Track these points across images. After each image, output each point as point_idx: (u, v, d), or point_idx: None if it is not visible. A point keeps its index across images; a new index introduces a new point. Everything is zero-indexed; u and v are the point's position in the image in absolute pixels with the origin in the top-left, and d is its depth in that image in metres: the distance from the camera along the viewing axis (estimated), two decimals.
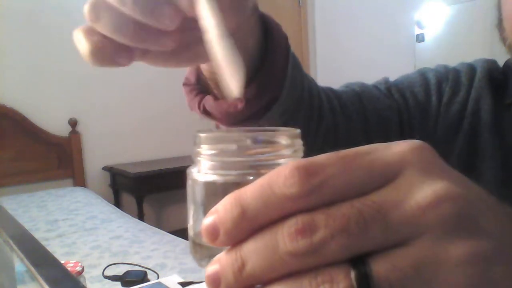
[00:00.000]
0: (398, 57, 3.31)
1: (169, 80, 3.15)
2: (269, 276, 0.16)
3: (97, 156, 2.91)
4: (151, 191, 2.80)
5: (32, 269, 0.31)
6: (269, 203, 0.16)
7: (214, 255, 0.17)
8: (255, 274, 0.16)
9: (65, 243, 1.65)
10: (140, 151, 3.08)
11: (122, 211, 2.25)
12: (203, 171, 0.21)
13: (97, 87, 2.90)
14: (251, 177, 0.18)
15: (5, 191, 2.50)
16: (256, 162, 0.20)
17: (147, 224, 1.97)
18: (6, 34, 2.58)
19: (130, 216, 2.11)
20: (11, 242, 0.38)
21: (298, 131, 0.21)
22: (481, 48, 2.93)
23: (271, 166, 0.19)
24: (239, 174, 0.20)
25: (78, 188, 2.66)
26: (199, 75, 0.43)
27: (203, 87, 0.43)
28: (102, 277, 1.20)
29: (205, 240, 0.17)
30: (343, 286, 0.14)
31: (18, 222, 0.47)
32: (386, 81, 0.56)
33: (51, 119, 2.73)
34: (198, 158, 0.21)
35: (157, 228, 1.88)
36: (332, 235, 0.15)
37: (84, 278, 0.89)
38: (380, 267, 0.15)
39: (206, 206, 0.20)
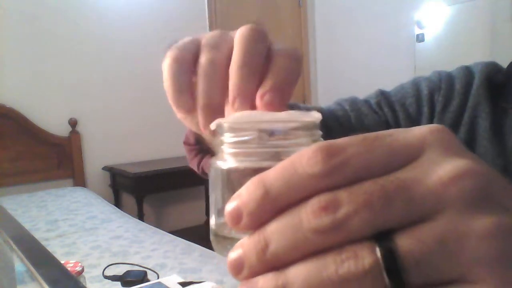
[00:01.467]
0: (398, 57, 3.31)
1: None
2: (293, 255, 0.16)
3: (97, 156, 2.91)
4: (151, 191, 2.80)
5: (32, 269, 0.31)
6: (292, 182, 0.16)
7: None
8: (279, 254, 0.16)
9: (65, 243, 1.65)
10: (140, 151, 3.08)
11: (122, 211, 2.25)
12: (225, 159, 0.21)
13: (97, 87, 2.90)
14: (273, 163, 0.18)
15: (5, 191, 2.50)
16: (277, 149, 0.20)
17: (147, 224, 1.97)
18: (7, 35, 2.58)
19: (130, 216, 2.11)
20: (11, 242, 0.38)
21: (319, 117, 0.22)
22: (481, 48, 2.93)
23: (292, 153, 0.19)
24: (260, 160, 0.20)
25: (78, 188, 2.66)
26: (198, 136, 0.44)
27: (203, 147, 0.45)
28: (102, 277, 1.20)
29: (228, 224, 0.17)
30: (368, 262, 0.14)
31: (18, 222, 0.47)
32: (377, 94, 0.55)
33: (51, 119, 2.73)
34: (221, 147, 0.21)
35: (157, 228, 1.88)
36: (355, 210, 0.15)
37: (84, 278, 0.89)
38: (404, 242, 0.15)
39: (229, 194, 0.20)
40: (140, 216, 2.54)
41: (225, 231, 0.19)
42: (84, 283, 0.87)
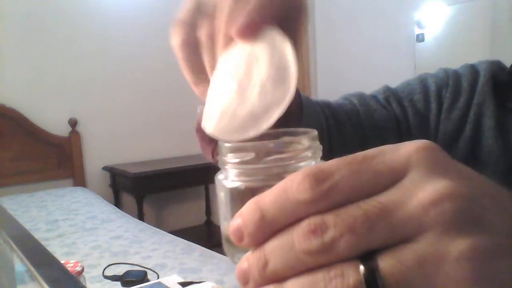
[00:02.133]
0: (398, 57, 3.31)
1: (169, 81, 3.15)
2: (288, 273, 0.17)
3: (97, 156, 2.91)
4: (151, 191, 2.80)
5: (32, 269, 0.31)
6: (285, 207, 0.18)
7: (244, 252, 0.19)
8: (277, 271, 0.18)
9: (65, 243, 1.65)
10: (140, 151, 3.08)
11: (122, 211, 2.25)
12: (229, 178, 0.23)
13: (97, 87, 2.90)
14: (273, 182, 0.19)
15: (5, 191, 2.50)
16: (277, 167, 0.21)
17: (147, 224, 1.97)
18: (7, 34, 2.58)
19: (130, 216, 2.11)
20: (11, 242, 0.38)
21: (315, 133, 0.23)
22: (481, 48, 2.93)
23: (292, 169, 0.21)
24: (261, 179, 0.21)
25: (78, 188, 2.65)
26: None
27: None
28: (102, 277, 1.20)
29: (233, 241, 0.19)
30: (352, 280, 0.16)
31: (18, 222, 0.47)
32: (385, 90, 0.55)
33: (51, 119, 2.73)
34: (225, 166, 0.23)
35: (157, 228, 1.88)
36: (340, 234, 0.16)
37: (84, 278, 0.89)
38: (386, 263, 0.16)
39: (233, 210, 0.22)
40: (140, 216, 2.54)
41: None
42: (84, 283, 0.87)
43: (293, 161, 0.22)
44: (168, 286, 0.97)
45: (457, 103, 0.49)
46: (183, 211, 3.27)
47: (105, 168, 2.91)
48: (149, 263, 1.35)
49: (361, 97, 0.54)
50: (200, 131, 0.44)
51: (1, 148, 2.54)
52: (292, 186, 0.17)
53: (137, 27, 3.03)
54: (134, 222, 1.96)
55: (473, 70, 0.51)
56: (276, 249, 0.18)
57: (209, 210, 3.35)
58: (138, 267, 1.25)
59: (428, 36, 3.38)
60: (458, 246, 0.15)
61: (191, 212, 3.30)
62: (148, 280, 1.13)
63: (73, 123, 2.77)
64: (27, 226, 1.01)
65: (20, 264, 0.34)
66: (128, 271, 1.20)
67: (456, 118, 0.49)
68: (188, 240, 1.67)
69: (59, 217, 2.00)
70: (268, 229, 0.18)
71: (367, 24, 3.38)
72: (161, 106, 3.15)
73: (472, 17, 3.15)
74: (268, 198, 0.18)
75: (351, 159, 0.18)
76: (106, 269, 1.23)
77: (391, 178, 0.17)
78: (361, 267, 0.16)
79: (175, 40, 0.32)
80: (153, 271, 1.21)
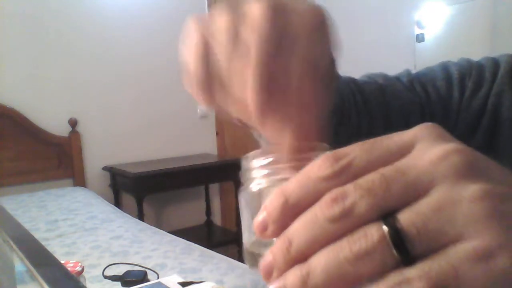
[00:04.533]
0: (398, 57, 3.31)
1: (169, 81, 3.15)
2: (314, 247, 0.18)
3: (97, 156, 2.91)
4: (151, 191, 2.80)
5: (32, 269, 0.31)
6: (307, 187, 0.19)
7: None
8: (301, 249, 0.18)
9: (65, 243, 1.65)
10: (140, 151, 3.08)
11: (122, 211, 2.25)
12: (255, 183, 0.24)
13: (97, 87, 2.90)
14: None
15: (5, 191, 2.50)
16: (300, 163, 0.23)
17: (147, 224, 1.97)
18: (7, 35, 2.58)
19: (130, 216, 2.10)
20: (11, 242, 0.38)
21: (327, 146, 0.25)
22: (481, 48, 2.92)
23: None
24: (285, 177, 0.23)
25: (78, 188, 2.65)
26: None
27: None
28: (102, 277, 1.20)
29: (257, 234, 0.20)
30: (376, 237, 0.17)
31: (18, 222, 0.47)
32: (408, 73, 0.55)
33: (51, 119, 2.73)
34: (250, 175, 0.24)
35: (157, 228, 1.88)
36: (361, 196, 0.17)
37: (84, 278, 0.89)
38: (405, 217, 0.17)
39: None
40: (140, 216, 2.54)
41: (257, 249, 0.22)
42: (84, 283, 0.87)
43: (313, 156, 0.23)
44: (168, 286, 0.97)
45: (478, 93, 0.49)
46: (183, 211, 3.27)
47: (105, 168, 2.91)
48: (149, 263, 1.35)
49: (386, 77, 0.53)
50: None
51: (1, 148, 2.54)
52: (313, 168, 0.19)
53: (137, 27, 3.03)
54: (134, 222, 1.96)
55: (494, 62, 0.51)
56: (299, 227, 0.18)
57: (209, 210, 3.35)
58: (138, 267, 1.25)
59: (428, 36, 3.38)
60: (470, 190, 0.16)
61: (191, 212, 3.30)
62: (148, 280, 1.13)
63: (73, 123, 2.77)
64: (27, 226, 1.01)
65: (20, 264, 0.34)
66: (128, 271, 1.20)
67: (476, 107, 0.49)
68: (188, 240, 1.67)
69: (59, 217, 2.00)
70: (291, 212, 0.19)
71: (367, 24, 3.38)
72: (161, 106, 3.15)
73: (472, 17, 3.15)
74: (290, 184, 0.19)
75: (363, 142, 0.19)
76: (106, 269, 1.23)
77: (400, 152, 0.19)
78: (383, 225, 0.17)
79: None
80: (153, 271, 1.21)
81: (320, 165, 0.19)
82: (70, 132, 2.77)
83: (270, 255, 0.19)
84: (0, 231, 0.42)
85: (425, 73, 0.53)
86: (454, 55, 0.54)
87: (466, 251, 0.16)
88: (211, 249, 1.56)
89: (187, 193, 3.28)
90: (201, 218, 3.35)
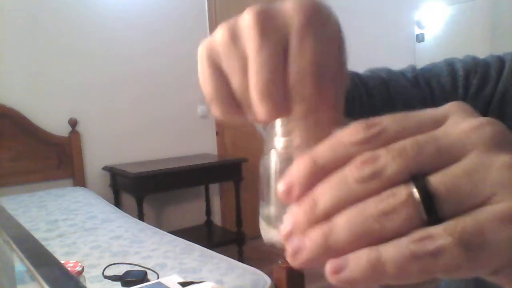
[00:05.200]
0: (398, 57, 3.31)
1: (169, 81, 3.15)
2: (339, 208, 0.17)
3: (97, 156, 2.91)
4: (151, 191, 2.80)
5: (32, 269, 0.31)
6: (337, 151, 0.18)
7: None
8: (327, 209, 0.18)
9: (65, 243, 1.65)
10: (140, 151, 3.08)
11: (122, 211, 2.25)
12: (276, 151, 0.23)
13: (97, 87, 2.90)
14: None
15: (5, 191, 2.50)
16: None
17: (147, 224, 1.97)
18: (7, 35, 2.58)
19: (130, 216, 2.10)
20: (11, 242, 0.38)
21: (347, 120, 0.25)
22: (481, 48, 2.92)
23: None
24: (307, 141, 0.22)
25: (78, 188, 2.65)
26: None
27: None
28: (102, 277, 1.20)
29: (281, 199, 0.19)
30: (404, 196, 0.16)
31: (18, 222, 0.47)
32: (413, 68, 0.54)
33: (51, 119, 2.73)
34: (273, 143, 0.24)
35: (157, 228, 1.88)
36: (392, 158, 0.17)
37: (84, 278, 0.89)
38: (435, 178, 0.17)
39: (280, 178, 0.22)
40: (140, 216, 2.54)
41: (272, 220, 0.21)
42: (84, 283, 0.87)
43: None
44: (168, 286, 0.97)
45: (483, 91, 0.49)
46: (183, 211, 3.27)
47: (105, 168, 2.91)
48: (149, 263, 1.35)
49: (390, 72, 0.53)
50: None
51: (1, 148, 2.54)
52: (344, 133, 0.19)
53: (137, 27, 3.03)
54: (134, 222, 1.96)
55: (500, 59, 0.50)
56: (325, 188, 0.18)
57: (209, 210, 3.35)
58: (138, 267, 1.25)
59: (428, 36, 3.38)
60: (501, 158, 0.17)
61: (191, 212, 3.30)
62: (148, 280, 1.13)
63: (73, 123, 2.77)
64: (27, 226, 1.01)
65: (20, 264, 0.34)
66: (128, 271, 1.20)
67: (481, 105, 0.48)
68: (188, 240, 1.67)
69: (59, 217, 2.00)
70: (319, 175, 0.18)
71: (367, 24, 3.38)
72: (161, 106, 3.15)
73: (472, 17, 3.15)
74: (320, 148, 0.19)
75: (395, 114, 0.19)
76: (106, 269, 1.23)
77: (433, 123, 0.19)
78: (412, 184, 0.17)
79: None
80: (153, 271, 1.21)
81: (351, 131, 0.18)
82: (70, 132, 2.77)
83: (292, 216, 0.18)
84: (0, 231, 0.42)
85: (430, 68, 0.53)
86: (454, 55, 0.54)
87: (494, 212, 0.16)
88: (211, 249, 1.56)
89: (187, 193, 3.28)
90: (201, 218, 3.35)
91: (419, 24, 3.44)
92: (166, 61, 3.13)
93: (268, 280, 1.29)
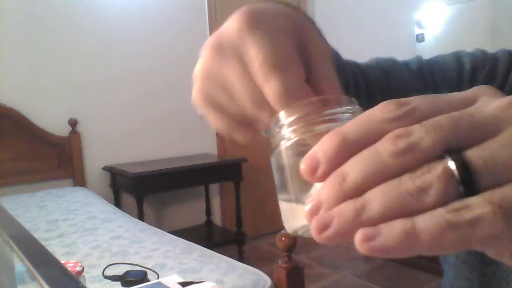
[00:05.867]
0: (398, 57, 3.30)
1: (169, 81, 3.15)
2: (370, 182, 0.17)
3: (97, 156, 2.91)
4: (151, 191, 2.80)
5: (32, 269, 0.31)
6: (368, 128, 0.18)
7: (306, 224, 0.19)
8: (357, 183, 0.17)
9: (65, 243, 1.65)
10: (140, 151, 3.08)
11: (122, 211, 2.25)
12: (287, 138, 0.23)
13: (97, 87, 2.90)
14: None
15: (5, 191, 2.50)
16: (334, 116, 0.22)
17: (147, 224, 1.97)
18: (6, 34, 2.58)
19: (130, 216, 2.10)
20: (11, 242, 0.38)
21: (356, 101, 0.24)
22: (481, 48, 2.93)
23: (347, 119, 0.22)
24: (318, 129, 0.22)
25: (78, 188, 2.65)
26: None
27: None
28: (102, 277, 1.20)
29: (305, 176, 0.18)
30: (440, 170, 0.16)
31: (18, 222, 0.47)
32: (419, 60, 0.53)
33: (51, 119, 2.73)
34: (280, 134, 0.23)
35: (157, 228, 1.88)
36: (426, 131, 0.17)
37: (84, 278, 0.89)
38: (472, 151, 0.16)
39: (296, 166, 0.21)
40: (140, 216, 2.54)
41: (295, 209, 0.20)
42: (84, 283, 0.87)
43: (349, 111, 0.22)
44: (168, 286, 0.97)
45: None
46: (183, 211, 3.27)
47: (105, 168, 2.91)
48: (149, 263, 1.35)
49: (394, 62, 0.52)
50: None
51: (1, 148, 2.54)
52: (375, 111, 0.18)
53: (137, 27, 3.03)
54: (134, 222, 1.96)
55: (510, 56, 0.49)
56: (356, 162, 0.17)
57: (209, 210, 3.35)
58: (138, 267, 1.25)
59: (428, 36, 3.38)
60: None
61: (191, 212, 3.30)
62: (148, 280, 1.13)
63: (73, 123, 2.77)
64: (27, 226, 1.01)
65: (20, 264, 0.34)
66: (128, 271, 1.20)
67: None
68: (188, 240, 1.67)
69: (59, 217, 2.00)
70: (348, 151, 0.18)
71: (367, 24, 3.38)
72: (161, 106, 3.15)
73: (472, 17, 3.15)
74: (348, 124, 0.18)
75: (425, 95, 0.19)
76: (106, 269, 1.23)
77: (464, 104, 0.18)
78: (448, 158, 0.16)
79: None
80: (153, 271, 1.21)
81: (382, 108, 0.18)
82: (70, 132, 2.77)
83: (319, 193, 0.18)
84: (0, 231, 0.42)
85: (437, 61, 0.52)
86: None
87: None
88: (211, 249, 1.56)
89: (187, 193, 3.28)
90: (201, 218, 3.35)
91: (419, 24, 3.44)
92: (166, 61, 3.13)
93: (268, 280, 1.29)
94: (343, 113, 0.22)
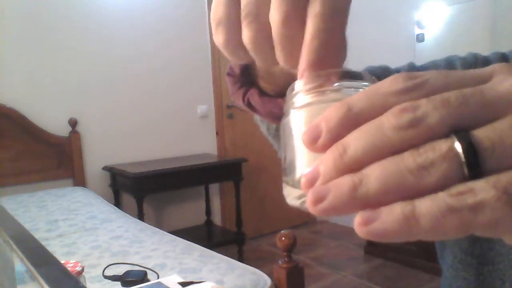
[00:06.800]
0: (398, 57, 3.30)
1: (169, 81, 3.15)
2: (371, 156, 0.16)
3: (97, 156, 2.91)
4: (151, 191, 2.80)
5: (32, 269, 0.31)
6: (374, 99, 0.17)
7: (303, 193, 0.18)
8: (357, 156, 0.16)
9: (65, 243, 1.65)
10: (140, 151, 3.08)
11: (122, 211, 2.25)
12: (297, 107, 0.22)
13: (97, 87, 2.90)
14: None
15: (5, 191, 2.50)
16: (351, 89, 0.21)
17: (147, 224, 1.97)
18: (7, 34, 2.58)
19: (130, 216, 2.11)
20: (11, 242, 0.38)
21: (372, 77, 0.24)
22: (481, 48, 2.92)
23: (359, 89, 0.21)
24: (326, 100, 0.21)
25: (78, 188, 2.65)
26: (247, 68, 0.41)
27: (247, 79, 0.42)
28: (102, 277, 1.20)
29: (306, 145, 0.18)
30: (445, 149, 0.15)
31: (18, 222, 0.47)
32: (410, 66, 0.53)
33: (51, 119, 2.73)
34: (294, 100, 0.22)
35: (157, 228, 1.88)
36: (434, 107, 0.16)
37: (84, 278, 0.89)
38: (479, 131, 0.15)
39: (299, 136, 0.21)
40: (140, 216, 2.54)
41: (296, 178, 0.20)
42: (84, 283, 0.87)
43: (363, 83, 0.22)
44: (168, 286, 0.97)
45: None
46: (183, 211, 3.27)
47: (105, 168, 2.92)
48: (149, 263, 1.35)
49: (385, 69, 0.53)
50: (231, 75, 0.43)
51: (1, 148, 2.54)
52: (383, 83, 0.17)
53: (137, 27, 3.03)
54: (134, 222, 1.96)
55: (504, 57, 0.49)
56: (358, 134, 0.17)
57: (209, 210, 3.35)
58: (138, 267, 1.25)
59: (428, 36, 3.38)
60: None
61: (191, 212, 3.30)
62: (148, 280, 1.13)
63: (73, 123, 2.77)
64: (27, 226, 1.01)
65: (20, 264, 0.34)
66: (128, 271, 1.20)
67: None
68: (188, 240, 1.67)
69: (59, 217, 2.00)
70: (352, 122, 0.17)
71: (367, 24, 3.38)
72: (161, 106, 3.15)
73: (472, 17, 3.15)
74: (355, 96, 0.17)
75: (438, 70, 0.18)
76: (106, 269, 1.23)
77: (477, 81, 0.17)
78: (453, 138, 0.15)
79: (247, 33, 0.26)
80: (153, 271, 1.21)
81: (391, 81, 0.17)
82: (70, 132, 2.77)
83: (317, 164, 0.17)
84: (0, 231, 0.42)
85: (428, 67, 0.52)
86: (455, 55, 0.54)
87: None
88: (211, 249, 1.56)
89: (187, 193, 3.28)
90: (201, 218, 3.35)
91: (419, 24, 3.44)
92: (166, 61, 3.13)
93: (268, 280, 1.29)
94: (357, 87, 0.21)
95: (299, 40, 0.23)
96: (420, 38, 3.50)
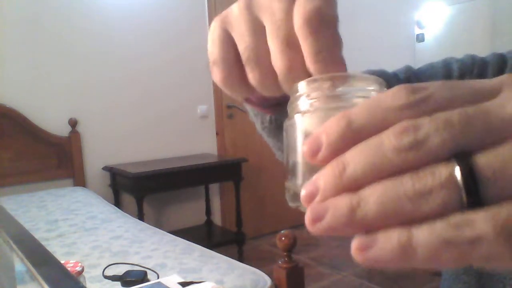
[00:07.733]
0: (398, 57, 3.31)
1: (169, 81, 3.15)
2: (370, 176, 0.16)
3: (97, 156, 2.91)
4: (151, 191, 2.80)
5: (32, 269, 0.31)
6: (375, 114, 0.17)
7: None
8: (356, 175, 0.16)
9: (65, 243, 1.65)
10: (140, 151, 3.08)
11: (122, 211, 2.25)
12: (302, 110, 0.22)
13: (97, 87, 2.90)
14: (348, 106, 0.19)
15: (5, 191, 2.50)
16: (351, 94, 0.21)
17: (147, 224, 1.97)
18: (7, 34, 2.58)
19: (130, 216, 2.11)
20: (11, 242, 0.38)
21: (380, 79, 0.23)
22: (481, 48, 2.92)
23: (366, 97, 0.21)
24: (336, 104, 0.21)
25: (78, 188, 2.65)
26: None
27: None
28: (102, 277, 1.20)
29: (306, 158, 0.18)
30: (445, 175, 0.15)
31: (18, 222, 0.46)
32: (407, 69, 0.53)
33: (51, 119, 2.73)
34: (296, 104, 0.23)
35: (157, 228, 1.88)
36: (436, 129, 0.15)
37: (84, 278, 0.89)
38: (482, 158, 0.15)
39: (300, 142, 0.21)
40: (140, 216, 2.54)
41: (298, 182, 0.20)
42: (84, 283, 0.87)
43: (367, 89, 0.22)
44: (168, 286, 0.97)
45: None
46: (183, 211, 3.27)
47: (105, 168, 2.92)
48: (149, 263, 1.35)
49: (383, 73, 0.53)
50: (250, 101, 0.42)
51: (1, 148, 2.54)
52: (386, 96, 0.17)
53: (137, 27, 3.03)
54: (134, 222, 1.96)
55: (501, 59, 0.49)
56: (357, 152, 0.16)
57: (209, 210, 3.35)
58: (138, 267, 1.25)
59: (428, 36, 3.38)
60: None
61: (191, 212, 3.30)
62: (148, 280, 1.13)
63: (73, 123, 2.77)
64: (27, 226, 1.01)
65: (20, 264, 0.34)
66: (128, 271, 1.20)
67: None
68: (188, 240, 1.67)
69: (59, 217, 2.00)
70: (352, 138, 0.17)
71: (367, 24, 3.38)
72: (161, 106, 3.15)
73: (472, 17, 3.15)
74: (356, 109, 0.17)
75: (444, 81, 0.17)
76: (106, 269, 1.24)
77: (485, 94, 0.16)
78: (454, 163, 0.15)
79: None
80: (153, 271, 1.21)
81: (394, 94, 0.17)
82: (70, 132, 2.77)
83: (316, 178, 0.17)
84: (0, 231, 0.42)
85: (425, 70, 0.52)
86: (454, 55, 0.54)
87: None
88: (211, 249, 1.56)
89: (187, 193, 3.28)
90: (201, 218, 3.35)
91: (419, 24, 3.44)
92: (166, 61, 3.13)
93: (268, 280, 1.29)
94: (362, 91, 0.21)
95: (304, 73, 0.24)
96: (420, 38, 3.50)
